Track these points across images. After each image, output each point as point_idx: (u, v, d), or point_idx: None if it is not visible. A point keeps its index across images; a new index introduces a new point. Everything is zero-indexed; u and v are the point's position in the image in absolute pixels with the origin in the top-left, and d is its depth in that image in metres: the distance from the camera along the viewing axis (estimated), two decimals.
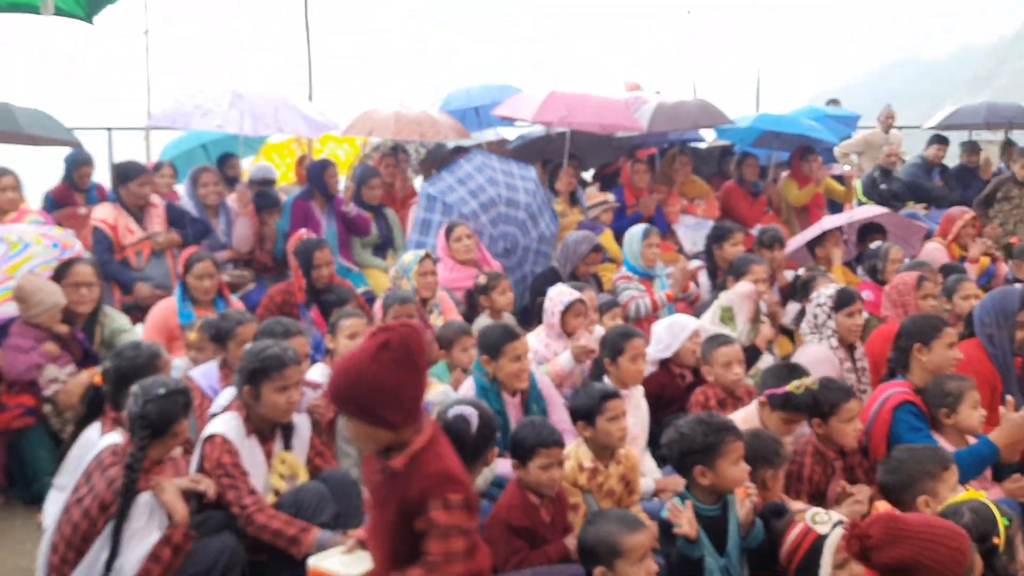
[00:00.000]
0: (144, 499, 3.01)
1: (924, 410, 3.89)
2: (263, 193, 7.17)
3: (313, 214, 6.96)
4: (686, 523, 2.89)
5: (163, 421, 3.08)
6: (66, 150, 7.60)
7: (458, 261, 6.16)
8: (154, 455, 3.12)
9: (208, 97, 6.86)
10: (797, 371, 3.70)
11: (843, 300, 4.70)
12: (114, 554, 2.95)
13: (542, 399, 4.21)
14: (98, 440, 3.28)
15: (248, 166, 9.00)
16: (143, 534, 2.99)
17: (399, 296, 4.98)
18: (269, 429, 3.46)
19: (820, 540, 2.75)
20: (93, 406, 3.47)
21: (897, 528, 2.34)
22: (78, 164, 7.37)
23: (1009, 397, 3.73)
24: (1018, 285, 5.52)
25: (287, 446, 3.51)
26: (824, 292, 4.78)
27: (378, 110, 8.34)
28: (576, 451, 3.63)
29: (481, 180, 6.84)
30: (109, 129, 9.84)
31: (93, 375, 3.74)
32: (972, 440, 3.79)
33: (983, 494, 2.95)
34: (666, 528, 3.04)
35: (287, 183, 9.16)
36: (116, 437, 3.22)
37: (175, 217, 6.35)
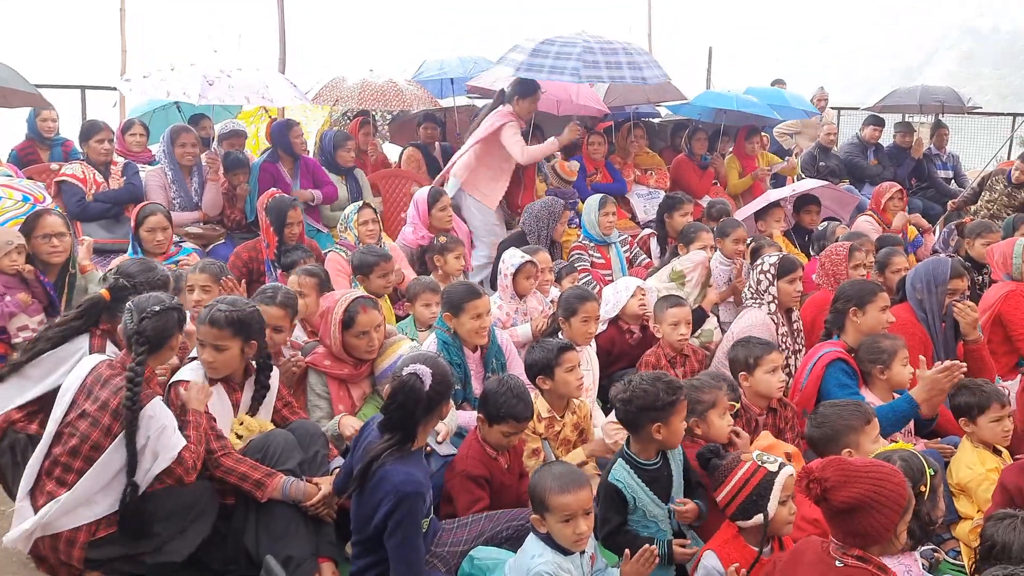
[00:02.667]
0: (150, 410, 2.93)
1: (855, 368, 3.96)
2: (230, 154, 6.97)
3: (281, 176, 6.79)
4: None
5: (159, 336, 3.03)
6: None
7: (435, 228, 6.00)
8: (152, 366, 3.07)
9: (177, 86, 6.58)
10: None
11: (785, 268, 4.72)
12: (133, 465, 2.89)
13: (502, 354, 4.18)
14: (84, 349, 3.24)
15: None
16: (165, 440, 2.94)
17: (380, 254, 4.90)
18: (239, 378, 3.36)
19: (770, 476, 2.76)
20: (89, 320, 3.38)
21: (848, 469, 2.38)
22: (38, 111, 7.11)
23: (922, 357, 3.79)
24: (943, 256, 5.59)
25: (256, 396, 3.42)
26: (768, 260, 4.78)
27: (345, 79, 8.18)
28: (535, 402, 3.63)
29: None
30: (82, 87, 9.49)
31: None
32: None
33: (911, 445, 2.99)
34: (614, 491, 3.03)
35: (262, 147, 8.93)
36: (102, 358, 3.13)
37: (128, 173, 6.34)
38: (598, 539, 3.04)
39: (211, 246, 6.32)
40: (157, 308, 3.02)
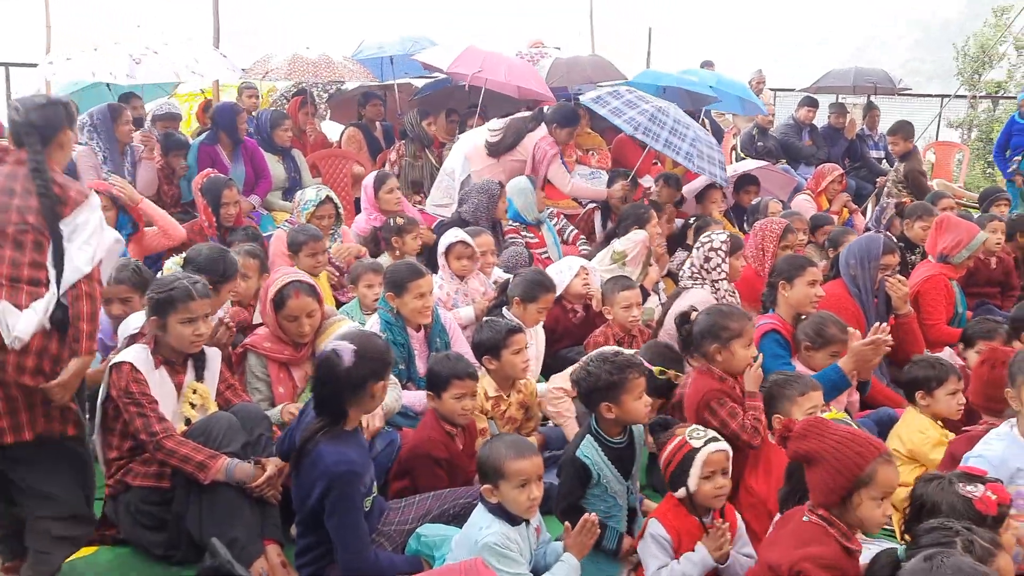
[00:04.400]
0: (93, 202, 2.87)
1: (789, 340, 4.10)
2: (170, 135, 6.82)
3: (220, 158, 6.69)
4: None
5: (49, 127, 2.91)
6: None
7: (383, 212, 5.97)
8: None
9: (103, 67, 6.38)
10: (671, 353, 3.78)
11: (736, 245, 4.87)
12: (59, 254, 2.77)
13: (445, 333, 4.19)
14: None
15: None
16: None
17: (311, 233, 4.84)
18: (180, 360, 3.31)
19: (692, 453, 2.84)
20: None
21: (817, 426, 2.55)
22: None
23: (852, 329, 3.90)
24: (875, 233, 5.78)
25: (198, 378, 3.37)
26: (718, 238, 4.86)
27: (275, 54, 8.09)
28: (482, 381, 3.67)
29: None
30: (7, 65, 9.15)
31: None
32: None
33: (844, 415, 3.10)
34: (581, 466, 3.05)
35: (194, 127, 8.74)
36: None
37: None
38: (555, 511, 3.11)
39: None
40: (43, 101, 2.94)
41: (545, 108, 7.01)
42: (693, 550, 2.81)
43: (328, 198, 5.44)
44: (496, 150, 6.71)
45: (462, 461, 3.38)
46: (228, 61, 7.10)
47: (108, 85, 8.50)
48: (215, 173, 5.55)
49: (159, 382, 3.20)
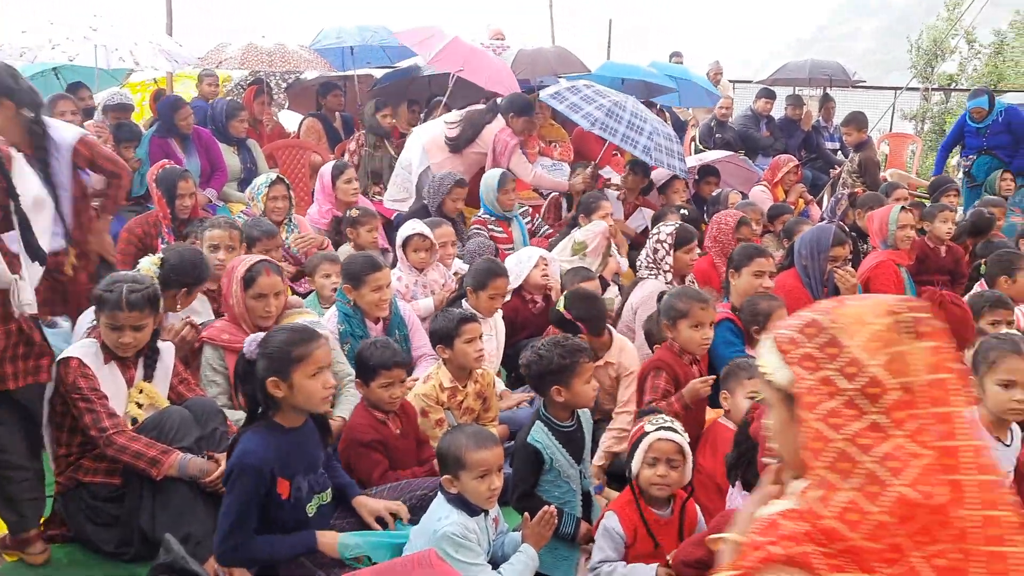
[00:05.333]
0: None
1: (741, 327, 4.17)
2: (122, 125, 6.69)
3: (173, 151, 6.57)
4: None
5: None
6: None
7: (341, 202, 5.93)
8: None
9: (60, 33, 6.32)
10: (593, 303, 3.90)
11: (682, 239, 4.84)
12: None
13: (404, 325, 4.19)
14: None
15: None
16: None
17: (265, 229, 4.79)
18: (131, 356, 3.24)
19: (641, 437, 2.89)
20: None
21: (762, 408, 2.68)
22: None
23: None
24: (826, 224, 5.87)
25: (147, 376, 3.31)
26: (664, 230, 4.89)
27: (231, 44, 8.01)
28: (437, 372, 3.68)
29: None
30: None
31: None
32: None
33: None
34: (533, 452, 3.07)
35: (146, 118, 8.58)
36: None
37: None
38: (511, 500, 3.12)
39: None
40: None
41: (499, 99, 7.01)
42: (646, 547, 2.82)
43: (279, 178, 5.45)
44: (456, 144, 6.69)
45: (399, 443, 3.37)
46: (180, 51, 7.04)
47: (57, 75, 8.33)
48: (171, 164, 5.46)
49: (109, 378, 3.14)
